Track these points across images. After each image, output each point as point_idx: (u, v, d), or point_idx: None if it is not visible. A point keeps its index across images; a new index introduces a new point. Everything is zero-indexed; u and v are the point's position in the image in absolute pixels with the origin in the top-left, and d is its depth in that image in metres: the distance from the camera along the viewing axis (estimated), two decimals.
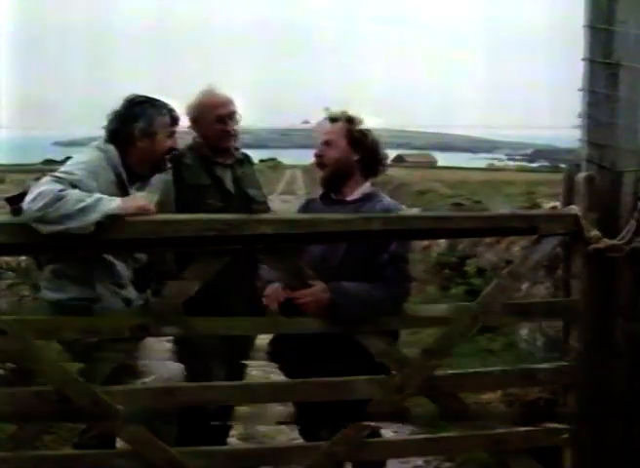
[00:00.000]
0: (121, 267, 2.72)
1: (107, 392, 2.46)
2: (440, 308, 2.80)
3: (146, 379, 2.66)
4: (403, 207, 3.03)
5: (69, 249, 2.46)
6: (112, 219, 2.39)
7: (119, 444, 2.77)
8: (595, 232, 2.55)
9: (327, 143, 2.79)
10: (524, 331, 5.55)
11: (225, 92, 3.24)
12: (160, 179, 3.00)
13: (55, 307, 2.70)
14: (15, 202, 2.52)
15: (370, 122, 2.86)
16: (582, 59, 2.67)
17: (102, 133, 2.81)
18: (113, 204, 2.42)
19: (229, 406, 3.25)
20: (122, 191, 2.67)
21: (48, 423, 2.62)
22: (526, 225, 2.63)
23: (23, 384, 2.54)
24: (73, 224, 2.33)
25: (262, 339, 3.02)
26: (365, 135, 2.79)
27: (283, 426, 4.18)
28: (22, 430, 2.51)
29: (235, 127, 3.23)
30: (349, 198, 2.80)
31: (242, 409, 3.81)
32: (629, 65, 2.59)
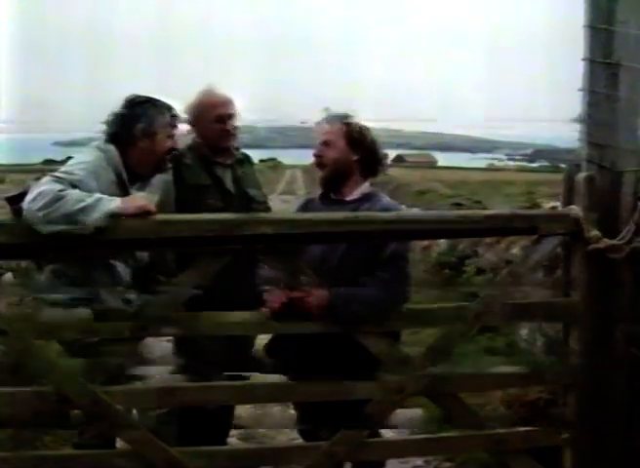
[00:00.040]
0: (121, 267, 2.72)
1: (107, 392, 2.47)
2: (440, 308, 2.81)
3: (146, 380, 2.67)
4: (403, 207, 3.04)
5: (69, 249, 2.46)
6: (112, 219, 2.39)
7: (119, 444, 2.77)
8: (595, 232, 2.55)
9: (326, 143, 2.79)
10: (524, 332, 5.56)
11: (225, 92, 3.24)
12: (160, 180, 3.00)
13: (55, 307, 2.70)
14: (15, 202, 2.52)
15: (369, 122, 2.86)
16: (582, 59, 2.67)
17: (103, 133, 2.81)
18: (113, 204, 2.42)
19: (229, 406, 3.25)
20: (122, 191, 2.67)
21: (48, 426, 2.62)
22: (526, 225, 2.63)
23: (23, 384, 2.53)
24: (73, 224, 2.33)
25: (262, 339, 3.02)
26: (364, 135, 2.79)
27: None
28: (23, 430, 2.51)
29: (235, 126, 3.23)
30: (348, 198, 2.80)
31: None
32: (629, 65, 2.59)
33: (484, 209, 9.51)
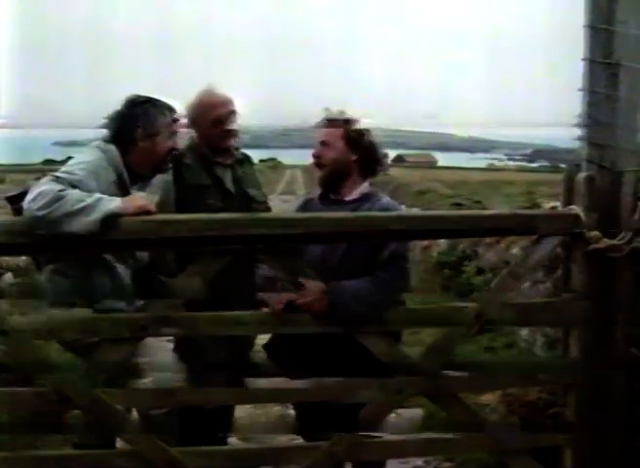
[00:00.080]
0: (121, 268, 2.72)
1: (107, 392, 2.47)
2: (440, 308, 2.81)
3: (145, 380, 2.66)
4: (402, 207, 3.04)
5: (69, 249, 2.46)
6: (112, 219, 2.39)
7: (119, 444, 2.77)
8: (595, 232, 2.55)
9: (325, 144, 2.79)
10: (524, 332, 5.56)
11: (225, 92, 3.24)
12: (160, 180, 2.99)
13: (55, 307, 2.70)
14: (15, 201, 2.53)
15: (368, 122, 2.86)
16: (582, 59, 2.67)
17: (103, 133, 2.81)
18: (113, 204, 2.42)
19: (229, 406, 3.25)
20: (123, 191, 2.67)
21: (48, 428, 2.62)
22: (526, 225, 2.63)
23: (23, 384, 2.53)
24: (73, 224, 2.33)
25: (263, 339, 3.02)
26: (362, 135, 2.79)
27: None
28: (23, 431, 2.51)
29: (235, 126, 3.23)
30: (348, 198, 2.80)
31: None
32: (629, 65, 2.59)
33: (484, 209, 9.51)
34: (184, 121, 3.14)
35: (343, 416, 2.57)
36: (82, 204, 2.36)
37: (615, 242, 2.55)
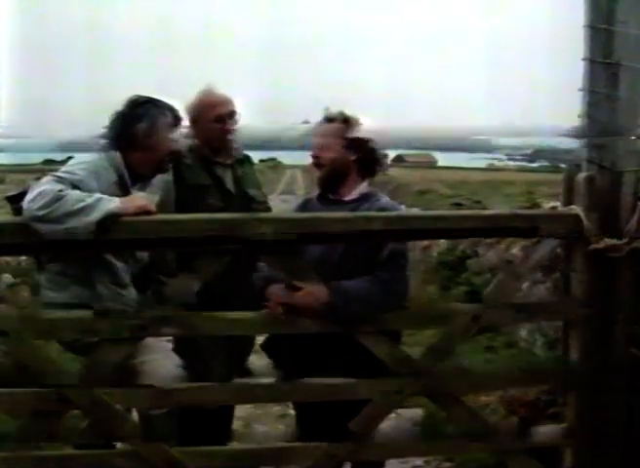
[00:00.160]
0: (121, 267, 2.72)
1: (107, 392, 2.47)
2: (440, 308, 2.81)
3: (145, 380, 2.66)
4: (402, 207, 3.04)
5: (69, 249, 2.46)
6: (112, 219, 2.39)
7: (119, 444, 2.77)
8: (595, 232, 2.55)
9: (324, 144, 2.79)
10: (524, 332, 5.56)
11: (225, 92, 3.24)
12: (160, 180, 3.00)
13: (55, 307, 2.70)
14: (15, 201, 2.53)
15: (368, 122, 2.86)
16: (582, 59, 2.67)
17: (104, 133, 2.81)
18: (113, 204, 2.42)
19: (229, 406, 3.25)
20: (123, 192, 2.67)
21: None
22: (527, 225, 2.63)
23: (23, 385, 2.53)
24: (73, 224, 2.33)
25: (262, 339, 3.01)
26: (361, 135, 2.79)
27: (283, 426, 4.19)
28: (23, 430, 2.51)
29: (235, 126, 3.23)
30: (347, 198, 2.80)
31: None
32: (629, 65, 2.59)
33: (484, 209, 9.50)
34: (184, 121, 3.14)
35: (344, 416, 2.57)
36: (82, 204, 2.36)
37: (615, 242, 2.55)
